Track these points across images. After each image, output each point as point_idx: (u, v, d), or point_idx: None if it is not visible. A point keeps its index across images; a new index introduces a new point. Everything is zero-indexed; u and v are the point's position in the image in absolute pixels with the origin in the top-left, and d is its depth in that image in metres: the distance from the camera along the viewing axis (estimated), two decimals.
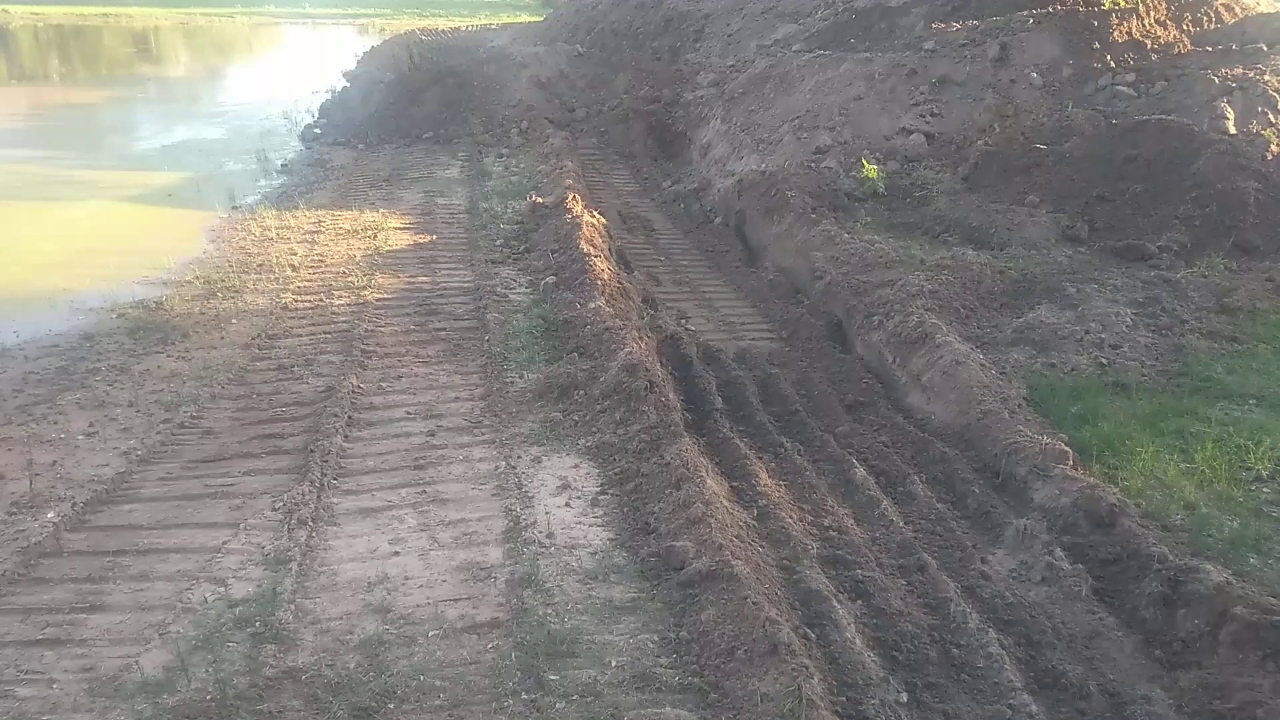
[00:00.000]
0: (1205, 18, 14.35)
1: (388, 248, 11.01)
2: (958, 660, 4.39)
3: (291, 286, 9.55)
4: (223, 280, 9.68)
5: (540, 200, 12.50)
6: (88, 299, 9.16)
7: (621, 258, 10.84)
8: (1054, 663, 4.37)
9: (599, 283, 8.88)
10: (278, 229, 11.54)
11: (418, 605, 4.65)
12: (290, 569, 4.88)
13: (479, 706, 3.98)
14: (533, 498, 5.67)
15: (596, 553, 5.11)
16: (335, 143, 17.80)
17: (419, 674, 4.16)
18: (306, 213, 12.37)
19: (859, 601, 4.77)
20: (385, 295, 9.38)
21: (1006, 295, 8.79)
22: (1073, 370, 7.26)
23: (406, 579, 4.88)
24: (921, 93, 13.36)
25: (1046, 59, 13.43)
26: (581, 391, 6.98)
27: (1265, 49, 12.77)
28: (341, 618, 4.56)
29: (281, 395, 7.16)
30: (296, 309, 8.99)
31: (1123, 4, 14.19)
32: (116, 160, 16.63)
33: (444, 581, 4.85)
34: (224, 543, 5.19)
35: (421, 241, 11.37)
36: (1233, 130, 11.03)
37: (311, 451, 6.13)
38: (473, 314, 8.89)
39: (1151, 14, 14.06)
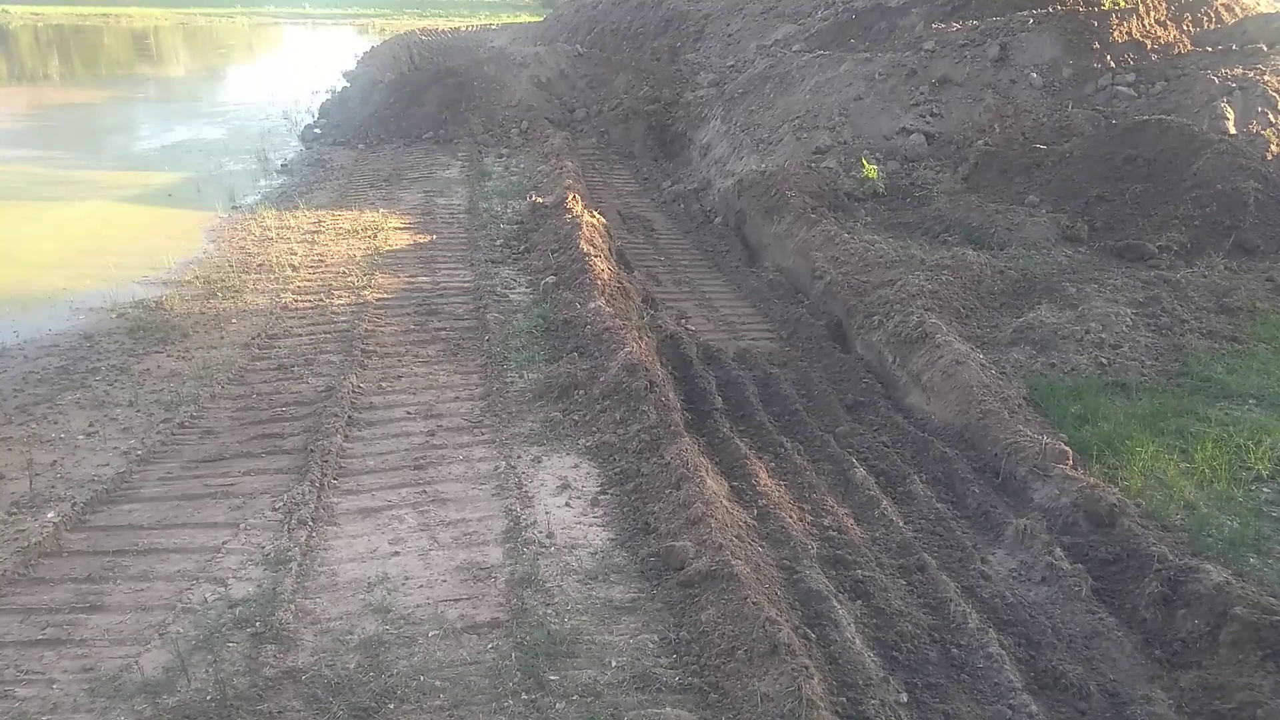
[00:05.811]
0: (1205, 18, 14.35)
1: (388, 248, 11.01)
2: (958, 660, 4.39)
3: (291, 286, 9.55)
4: (222, 280, 9.68)
5: (540, 200, 12.50)
6: (87, 299, 9.17)
7: (621, 258, 10.84)
8: (1054, 663, 4.36)
9: (599, 283, 8.88)
10: (278, 229, 11.54)
11: (418, 605, 4.65)
12: (290, 569, 4.88)
13: (479, 706, 3.98)
14: (533, 498, 5.66)
15: (596, 553, 5.11)
16: (335, 143, 17.82)
17: (419, 674, 4.16)
18: (306, 212, 12.38)
19: (859, 601, 4.76)
20: (385, 295, 9.38)
21: (1006, 295, 8.79)
22: (1073, 370, 7.26)
23: (406, 579, 4.87)
24: (921, 93, 13.36)
25: (1046, 59, 13.44)
26: (581, 391, 6.98)
27: (1265, 49, 12.78)
28: (341, 618, 4.56)
29: (281, 395, 7.16)
30: (296, 309, 8.99)
31: (1123, 4, 14.19)
32: (116, 160, 16.63)
33: (444, 581, 4.85)
34: (224, 543, 5.19)
35: (421, 241, 11.37)
36: (1233, 130, 11.03)
37: (311, 451, 6.13)
38: (473, 314, 8.89)
39: (1151, 14, 14.06)
